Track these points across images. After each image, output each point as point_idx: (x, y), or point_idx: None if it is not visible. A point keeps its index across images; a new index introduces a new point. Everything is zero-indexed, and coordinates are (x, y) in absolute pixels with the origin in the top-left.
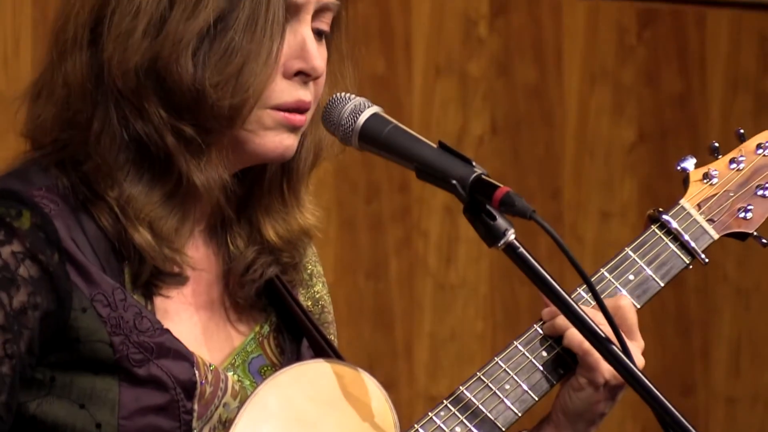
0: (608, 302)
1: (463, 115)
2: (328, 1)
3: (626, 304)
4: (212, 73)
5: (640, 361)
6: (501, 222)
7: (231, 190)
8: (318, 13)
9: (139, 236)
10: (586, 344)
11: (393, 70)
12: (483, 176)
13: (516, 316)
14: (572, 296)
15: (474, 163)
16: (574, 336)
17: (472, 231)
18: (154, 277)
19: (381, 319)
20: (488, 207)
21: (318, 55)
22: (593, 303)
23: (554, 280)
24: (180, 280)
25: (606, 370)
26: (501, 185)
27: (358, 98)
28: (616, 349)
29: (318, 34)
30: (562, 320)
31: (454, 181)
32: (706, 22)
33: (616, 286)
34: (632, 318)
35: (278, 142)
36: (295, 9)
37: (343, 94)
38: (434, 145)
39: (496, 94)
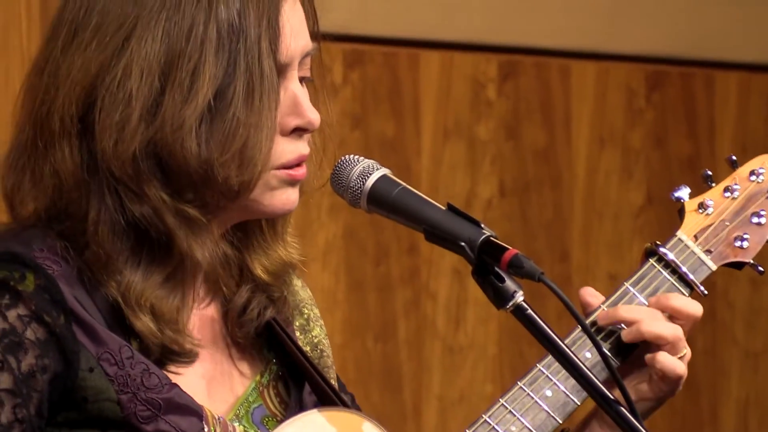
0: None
1: (472, 177)
2: (308, 50)
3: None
4: (219, 152)
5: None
6: (509, 284)
7: (232, 258)
8: (301, 62)
9: (141, 323)
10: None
11: (401, 132)
12: (491, 238)
13: None
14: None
15: (482, 225)
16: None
17: (480, 293)
18: (163, 356)
19: (389, 380)
20: (497, 269)
21: (312, 108)
22: (639, 298)
23: (563, 342)
24: (189, 357)
25: (665, 365)
26: (509, 247)
27: (366, 161)
28: (625, 410)
29: (300, 80)
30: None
31: (462, 243)
32: (715, 85)
33: None
34: (694, 311)
35: (285, 199)
36: (283, 69)
37: (351, 156)
38: (443, 208)
39: (504, 157)
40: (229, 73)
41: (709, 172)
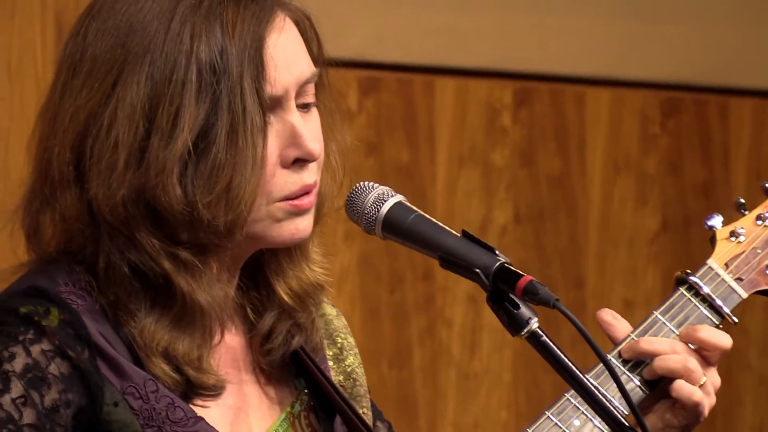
0: (686, 333)
1: (487, 204)
2: (306, 77)
3: (706, 335)
4: (202, 194)
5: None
6: (524, 311)
7: (235, 300)
8: (300, 90)
9: (154, 367)
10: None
11: (416, 159)
12: (506, 265)
13: (539, 404)
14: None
15: (497, 252)
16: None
17: (495, 320)
18: (188, 390)
19: (405, 407)
20: (511, 296)
21: (311, 137)
22: (669, 327)
23: (578, 369)
24: (215, 390)
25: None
26: (524, 274)
27: (381, 187)
28: None
29: (304, 107)
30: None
31: (477, 270)
32: (730, 111)
33: None
34: (722, 343)
35: (293, 229)
36: (276, 101)
37: (366, 183)
38: (458, 234)
39: (519, 184)
40: (211, 114)
41: (742, 200)
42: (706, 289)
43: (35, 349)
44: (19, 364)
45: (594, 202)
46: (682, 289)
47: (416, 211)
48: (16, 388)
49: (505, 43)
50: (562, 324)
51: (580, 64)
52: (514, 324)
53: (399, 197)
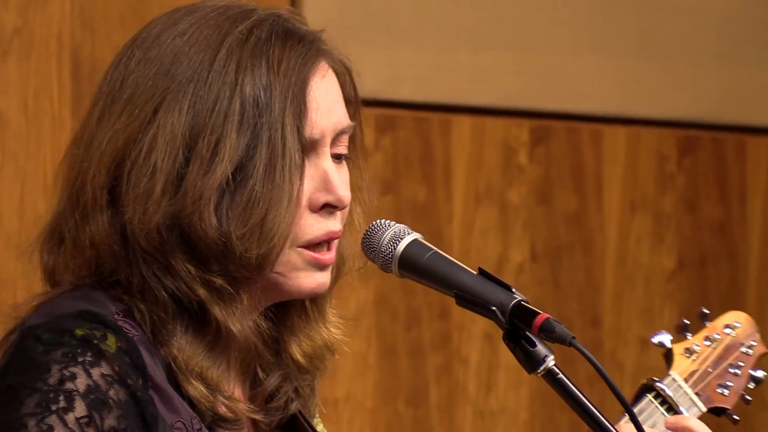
0: (674, 421)
1: (503, 242)
2: (342, 127)
3: (695, 424)
4: (237, 225)
5: None
6: (540, 348)
7: (266, 333)
8: (335, 139)
9: (193, 389)
10: None
11: (433, 197)
12: (523, 303)
13: None
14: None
15: (514, 290)
16: None
17: (512, 357)
18: (214, 422)
19: None
20: (528, 333)
21: (342, 185)
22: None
23: (594, 407)
24: (238, 425)
25: None
26: (540, 312)
27: (398, 225)
28: None
29: (337, 157)
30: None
31: (493, 308)
32: (747, 149)
33: None
34: None
35: (311, 281)
36: (312, 144)
37: (383, 221)
38: (474, 272)
39: (536, 222)
40: (250, 147)
41: (686, 321)
42: (673, 398)
43: (95, 372)
44: (81, 384)
45: (610, 240)
46: (649, 396)
47: (433, 249)
48: (80, 408)
49: (521, 82)
50: (578, 362)
51: (596, 103)
52: (531, 362)
53: (415, 235)
